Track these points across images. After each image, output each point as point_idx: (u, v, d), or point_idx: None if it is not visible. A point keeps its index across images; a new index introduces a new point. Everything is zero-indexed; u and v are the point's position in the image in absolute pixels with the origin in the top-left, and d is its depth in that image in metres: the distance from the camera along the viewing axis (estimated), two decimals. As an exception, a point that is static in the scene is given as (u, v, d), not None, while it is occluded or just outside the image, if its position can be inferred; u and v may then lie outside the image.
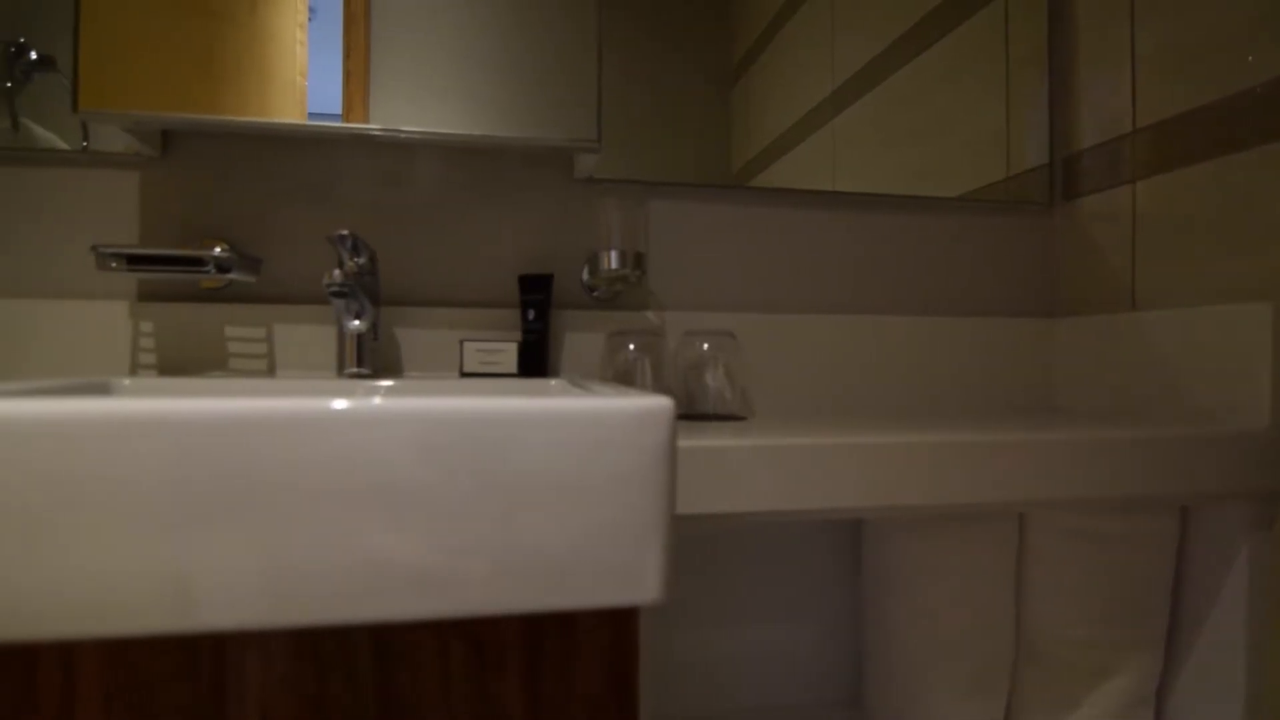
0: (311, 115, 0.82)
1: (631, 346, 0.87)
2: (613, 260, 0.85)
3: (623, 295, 0.96)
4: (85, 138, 0.86)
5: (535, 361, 0.87)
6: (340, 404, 0.41)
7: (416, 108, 0.83)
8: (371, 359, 0.81)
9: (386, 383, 0.77)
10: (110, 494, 0.40)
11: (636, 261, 0.85)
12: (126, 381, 0.70)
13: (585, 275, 0.94)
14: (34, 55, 0.86)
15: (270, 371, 0.87)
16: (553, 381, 0.79)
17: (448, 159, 0.93)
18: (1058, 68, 1.08)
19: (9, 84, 0.86)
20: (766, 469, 0.65)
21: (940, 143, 1.05)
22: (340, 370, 0.80)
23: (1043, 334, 1.07)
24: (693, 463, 0.63)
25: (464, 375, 0.85)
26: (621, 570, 0.44)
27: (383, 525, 0.42)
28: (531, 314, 0.87)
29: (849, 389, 1.01)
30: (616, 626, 0.49)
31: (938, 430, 0.73)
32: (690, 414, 0.88)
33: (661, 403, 0.42)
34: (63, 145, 0.86)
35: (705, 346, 0.88)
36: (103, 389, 0.68)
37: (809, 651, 0.99)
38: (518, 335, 0.91)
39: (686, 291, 0.98)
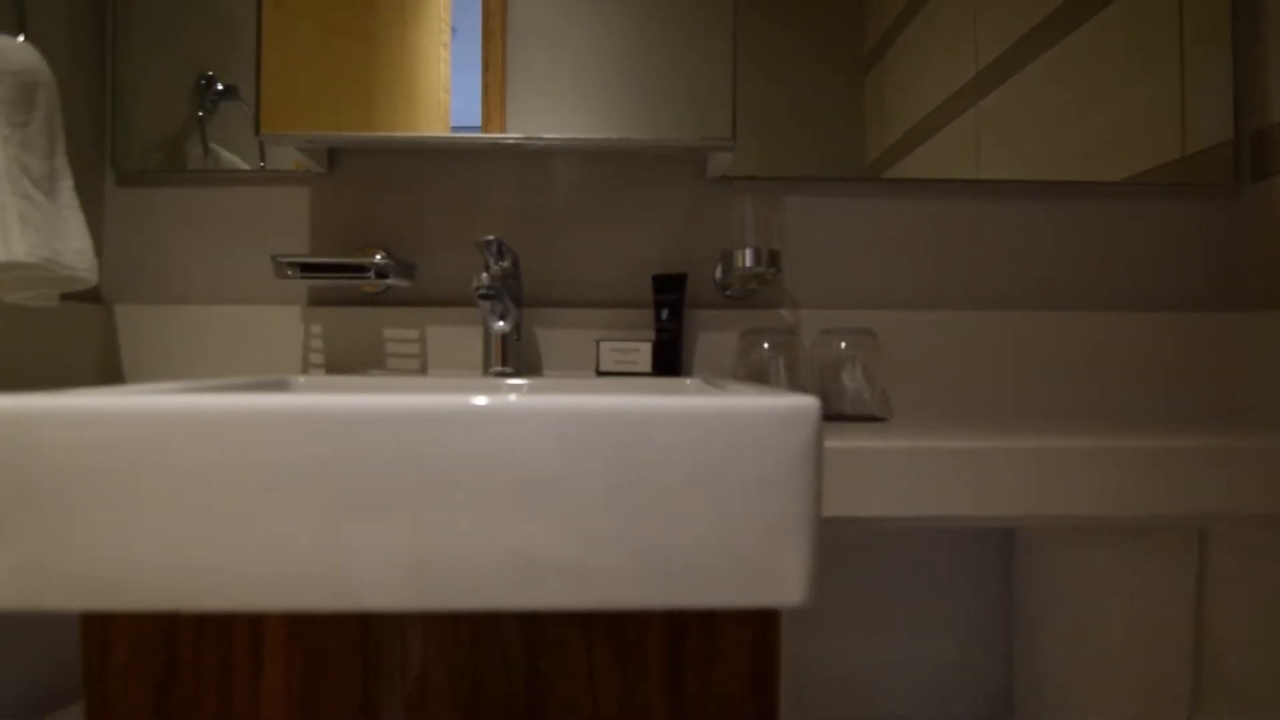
0: (454, 128, 0.86)
1: (766, 345, 0.86)
2: (747, 258, 0.84)
3: (756, 293, 0.95)
4: (262, 158, 0.96)
5: (669, 360, 0.88)
6: (483, 401, 0.43)
7: (552, 115, 0.86)
8: (514, 358, 0.84)
9: (527, 381, 0.80)
10: (285, 481, 0.43)
11: (772, 259, 0.84)
12: (301, 379, 0.77)
13: (719, 274, 0.94)
14: (220, 86, 0.96)
15: (422, 370, 0.92)
16: (688, 380, 0.80)
17: (583, 163, 0.95)
18: (1243, 31, 0.97)
19: (200, 113, 0.96)
20: (910, 473, 0.62)
21: (1100, 123, 0.97)
22: (486, 369, 0.84)
23: (1224, 329, 0.96)
24: (832, 464, 0.61)
25: (600, 374, 0.87)
26: (763, 571, 0.43)
27: (521, 517, 0.43)
28: (665, 313, 0.88)
29: (997, 390, 0.95)
30: (758, 628, 0.49)
31: (1101, 434, 0.67)
32: (827, 415, 0.86)
33: (807, 402, 0.41)
34: (244, 166, 0.96)
35: (843, 345, 0.86)
36: (281, 386, 0.75)
37: (952, 665, 0.94)
38: (651, 335, 0.92)
39: (822, 288, 0.96)
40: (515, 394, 0.44)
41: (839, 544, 0.93)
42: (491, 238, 0.78)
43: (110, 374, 0.93)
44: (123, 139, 0.95)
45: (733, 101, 0.86)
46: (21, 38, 0.74)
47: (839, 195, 0.96)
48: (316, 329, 0.93)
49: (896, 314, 0.95)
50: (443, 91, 0.86)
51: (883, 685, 0.93)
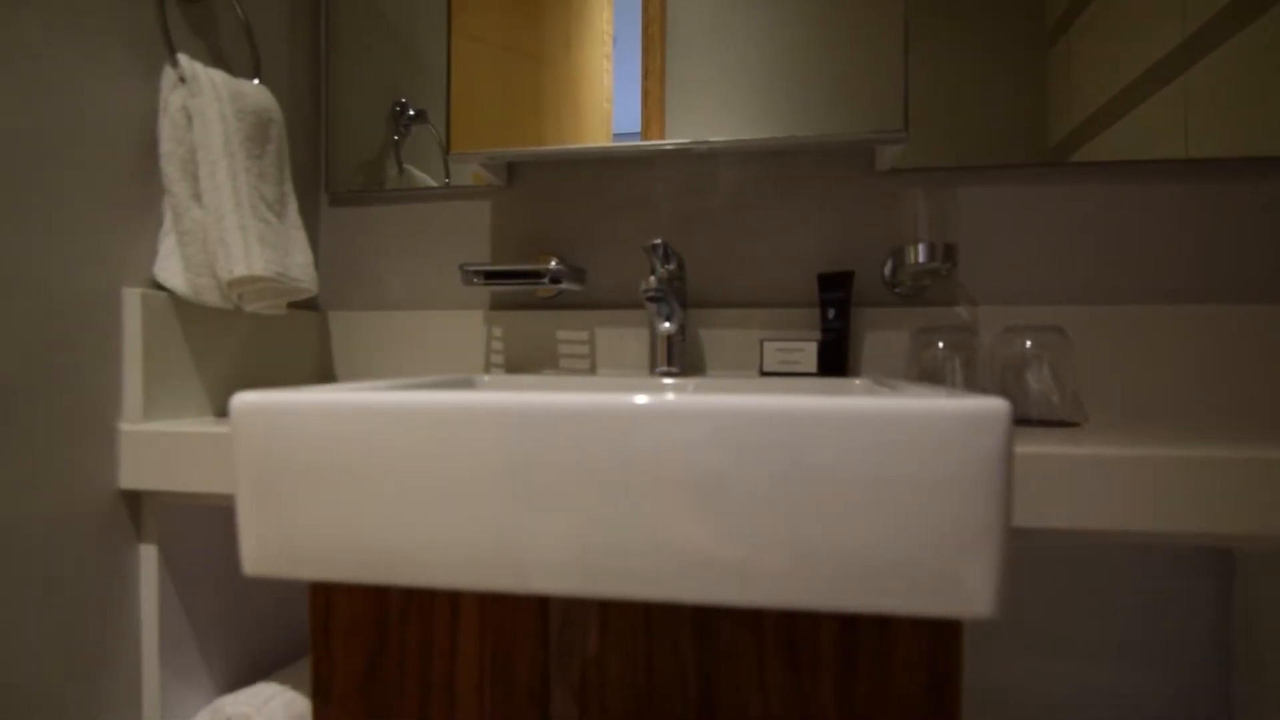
0: (614, 135, 0.90)
1: (940, 344, 0.82)
2: (920, 254, 0.81)
3: (929, 290, 0.91)
4: (447, 175, 1.04)
5: (835, 360, 0.86)
6: (650, 399, 0.44)
7: (712, 117, 0.87)
8: (679, 358, 0.86)
9: (693, 380, 0.82)
10: (474, 470, 0.47)
11: (947, 253, 0.80)
12: (486, 378, 0.83)
13: (888, 270, 0.90)
14: (411, 111, 1.05)
15: (591, 370, 0.97)
16: (856, 381, 0.78)
17: (745, 164, 0.96)
18: None
19: (395, 137, 1.06)
20: (1108, 483, 0.57)
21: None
22: (652, 369, 0.86)
23: None
24: (1020, 472, 0.58)
25: (764, 374, 0.87)
26: (944, 579, 0.42)
27: (685, 513, 0.44)
28: (831, 312, 0.87)
29: (1203, 392, 0.85)
30: (938, 638, 0.47)
31: (1357, 446, 0.58)
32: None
33: (997, 405, 0.39)
34: (433, 183, 1.04)
35: (1028, 344, 0.80)
36: (468, 384, 0.81)
37: (1155, 696, 0.84)
38: (817, 334, 0.91)
39: (1001, 283, 0.90)
40: (680, 393, 0.45)
41: (1025, 556, 0.87)
42: (658, 241, 0.80)
43: (324, 372, 1.05)
44: (333, 165, 1.07)
45: (904, 90, 0.82)
46: (256, 81, 0.85)
47: (1019, 182, 0.90)
48: (497, 331, 0.99)
49: (1087, 310, 0.87)
50: (605, 102, 0.90)
51: (1071, 713, 0.86)
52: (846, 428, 0.41)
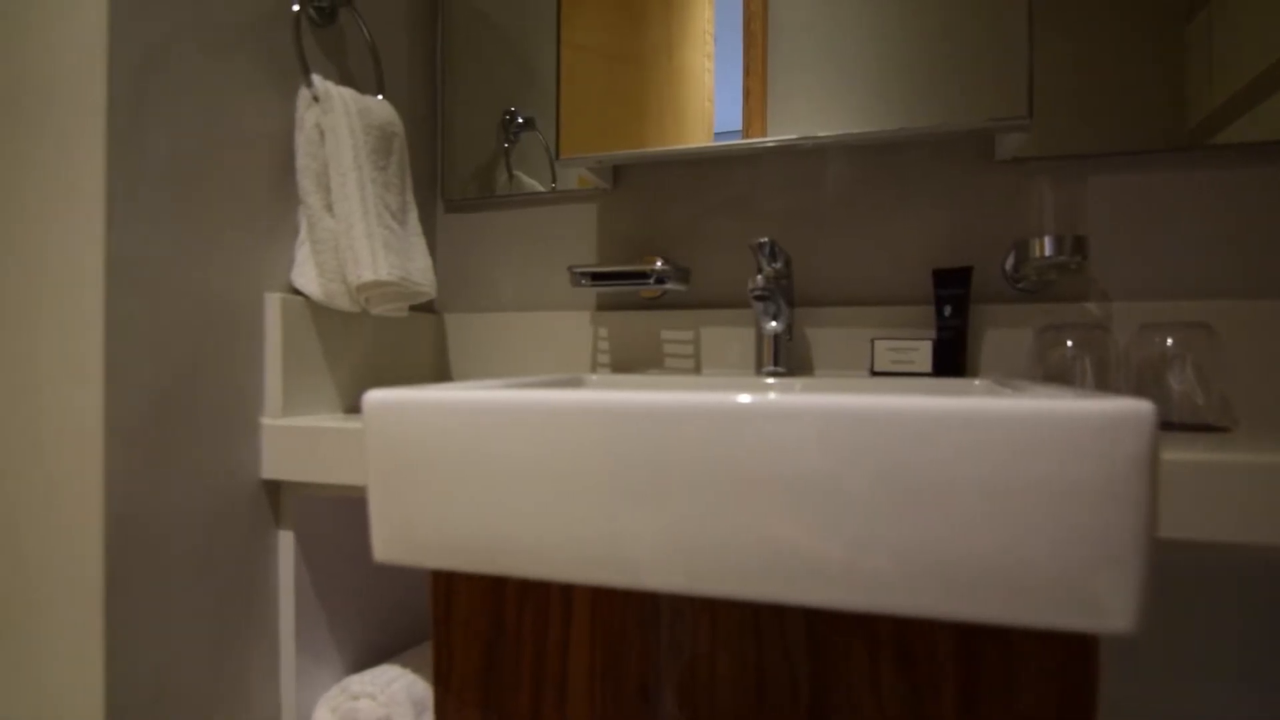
0: (716, 134, 0.89)
1: (1069, 343, 0.77)
2: (1047, 247, 0.76)
3: (1055, 285, 0.86)
4: (553, 179, 1.06)
5: (951, 359, 0.83)
6: (754, 398, 0.44)
7: (817, 112, 0.85)
8: (786, 358, 0.85)
9: (800, 380, 0.80)
10: (581, 467, 0.48)
11: (1077, 246, 0.75)
12: (594, 377, 0.85)
13: (1009, 265, 0.86)
14: (520, 119, 1.09)
15: (696, 369, 0.97)
16: (975, 381, 0.74)
17: (854, 158, 0.93)
18: None
19: (505, 144, 1.10)
20: (1262, 493, 0.52)
21: None
22: (758, 369, 0.86)
23: None
24: (1164, 480, 0.53)
25: (874, 374, 0.85)
26: (1078, 591, 0.39)
27: (788, 513, 0.43)
28: (948, 310, 0.83)
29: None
30: (1071, 653, 0.44)
31: None
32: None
33: (1141, 406, 0.37)
34: (540, 188, 1.07)
35: (1169, 341, 0.74)
36: (578, 383, 0.83)
37: (1328, 733, 0.76)
38: (931, 333, 0.87)
39: (1135, 277, 0.84)
40: (786, 392, 0.45)
41: (1165, 570, 0.81)
42: (764, 240, 0.79)
43: (441, 371, 1.10)
44: (449, 173, 1.12)
45: (1029, 73, 0.78)
46: (380, 96, 0.90)
47: (1156, 169, 0.83)
48: (603, 332, 1.01)
49: (1235, 304, 0.79)
50: (707, 101, 0.90)
51: (1224, 744, 0.79)
52: (970, 429, 0.40)
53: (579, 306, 1.05)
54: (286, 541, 0.81)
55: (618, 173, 1.04)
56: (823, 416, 0.43)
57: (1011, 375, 0.86)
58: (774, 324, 0.84)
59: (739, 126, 0.88)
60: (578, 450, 0.48)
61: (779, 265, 0.81)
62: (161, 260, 0.69)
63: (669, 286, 0.90)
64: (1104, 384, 0.77)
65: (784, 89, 0.87)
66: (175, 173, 0.70)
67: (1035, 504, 0.39)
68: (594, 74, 0.93)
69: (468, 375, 1.09)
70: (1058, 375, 0.78)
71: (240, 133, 0.77)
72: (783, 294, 0.84)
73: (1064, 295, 0.85)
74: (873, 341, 0.85)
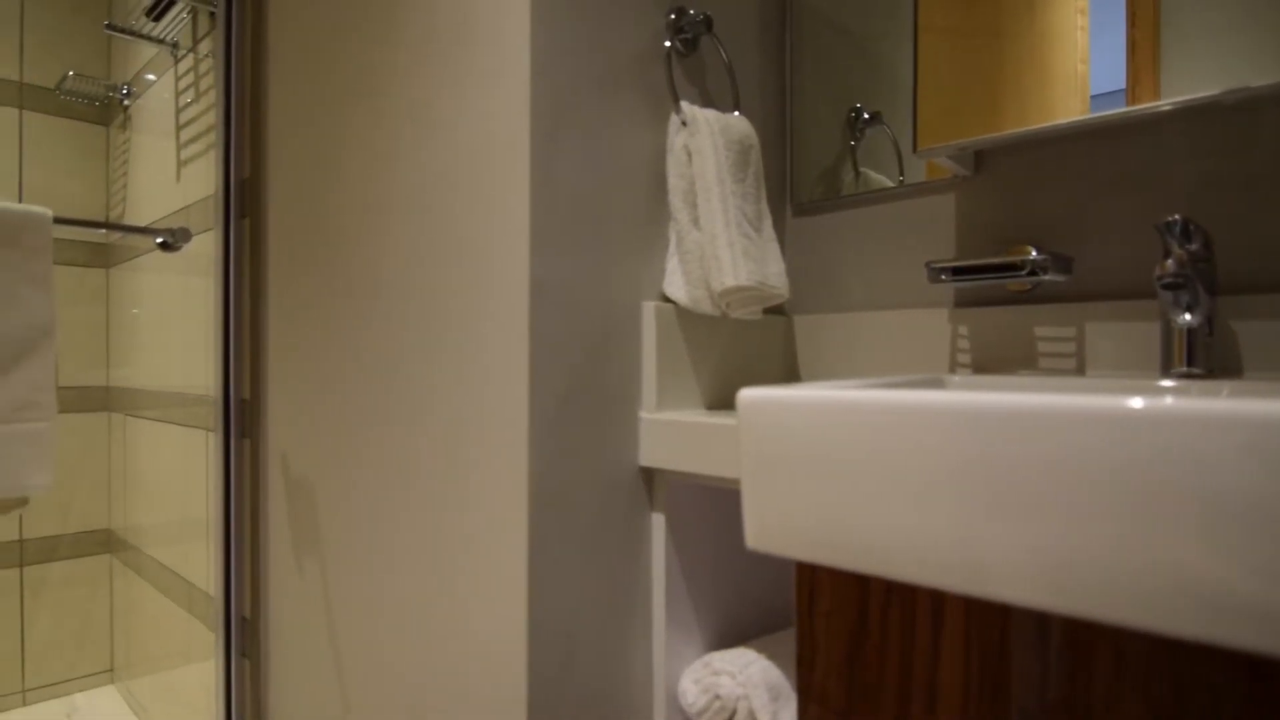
0: (1091, 98, 0.78)
1: None
2: None
3: None
4: (901, 173, 1.03)
5: None
6: (1145, 403, 0.39)
7: (1226, 58, 0.70)
8: (1205, 358, 0.71)
9: (1226, 384, 0.67)
10: (944, 470, 0.46)
11: None
12: (956, 378, 0.80)
13: None
14: (866, 115, 1.07)
15: (1079, 371, 0.86)
16: None
17: (1307, 107, 0.74)
18: None
19: (852, 142, 1.09)
20: None
21: None
22: (1165, 369, 0.73)
23: None
24: None
25: (1341, 377, 0.67)
26: None
27: (1191, 537, 0.38)
28: None
29: None
30: None
31: None
32: None
33: None
34: (890, 184, 1.04)
35: None
36: (938, 384, 0.79)
37: None
38: None
39: None
40: (1203, 397, 0.38)
41: None
42: (1175, 217, 0.67)
43: (790, 371, 1.13)
44: (797, 178, 1.15)
45: None
46: (737, 113, 0.96)
47: None
48: (963, 330, 0.95)
49: None
50: (1080, 63, 0.79)
51: None
52: None
53: (934, 304, 0.99)
54: (659, 523, 0.91)
55: (979, 158, 0.96)
56: (1251, 427, 0.36)
57: None
58: (1187, 316, 0.71)
59: (1117, 86, 0.77)
60: (940, 452, 0.47)
61: (1195, 247, 0.68)
62: (566, 278, 0.82)
63: (1045, 278, 0.82)
64: None
65: (1180, 35, 0.73)
66: (575, 202, 0.83)
67: None
68: (951, 55, 0.88)
69: (816, 375, 1.11)
70: None
71: (624, 161, 0.88)
72: (1201, 280, 0.70)
73: None
74: (1338, 336, 0.67)
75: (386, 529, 1.04)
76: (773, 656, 0.88)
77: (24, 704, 2.10)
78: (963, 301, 0.97)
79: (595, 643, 0.86)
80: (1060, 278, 0.83)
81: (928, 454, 0.48)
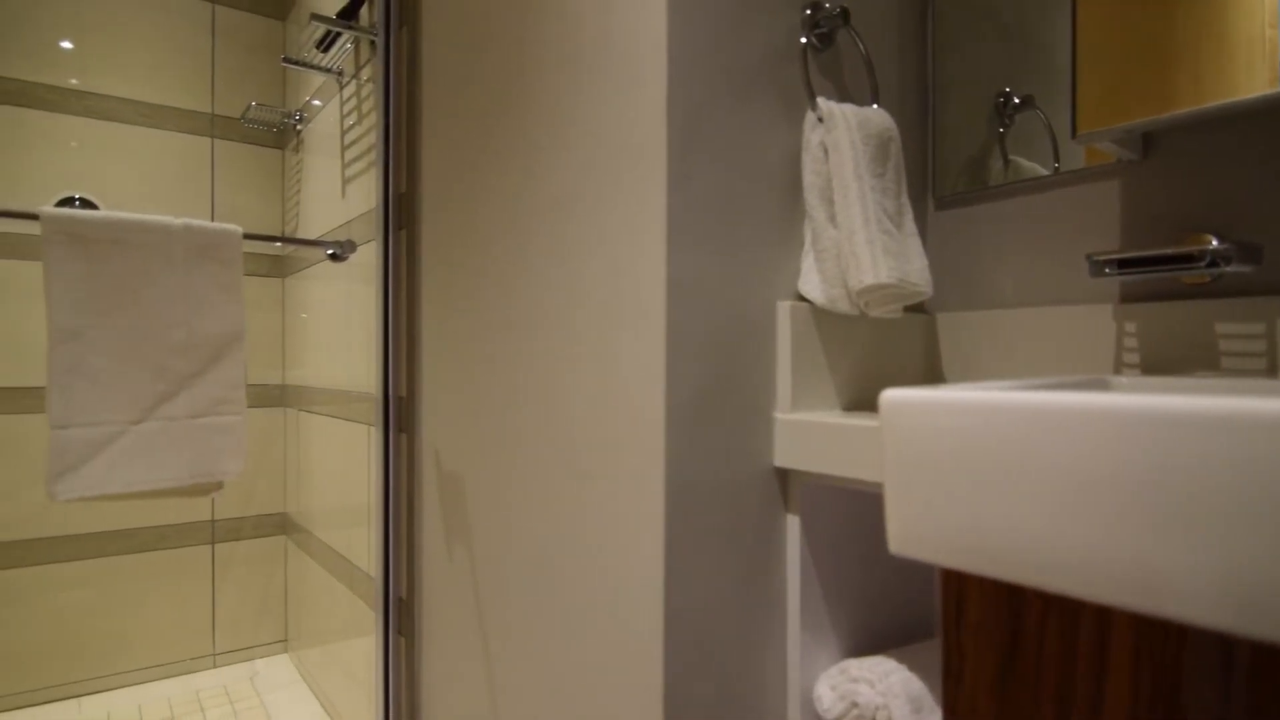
0: None
1: None
2: None
3: None
4: (1056, 160, 0.96)
5: None
6: None
7: None
8: None
9: None
10: (1105, 478, 0.43)
11: None
12: (1122, 379, 0.74)
13: None
14: (1015, 100, 1.00)
15: (1270, 372, 0.77)
16: None
17: None
18: None
19: (1000, 129, 1.03)
20: None
21: None
22: (1380, 371, 0.64)
23: None
24: None
25: None
26: None
27: None
28: None
29: None
30: None
31: None
32: None
33: None
34: (1043, 172, 0.98)
35: None
36: (1102, 385, 0.74)
37: None
38: None
39: None
40: None
41: None
42: (1394, 199, 0.59)
43: (931, 372, 1.09)
44: (939, 170, 1.10)
45: None
46: (875, 105, 0.93)
47: None
48: (1129, 327, 0.88)
49: None
50: (1269, 27, 0.70)
51: None
52: None
53: (1095, 299, 0.92)
54: (794, 525, 0.90)
55: (1148, 140, 0.89)
56: None
57: None
58: None
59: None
60: (1116, 458, 0.44)
61: None
62: (702, 278, 0.83)
63: (1228, 269, 0.74)
64: None
65: None
66: (712, 203, 0.84)
67: None
68: (1114, 26, 0.81)
69: (960, 376, 1.06)
70: None
71: (758, 160, 0.88)
72: None
73: None
74: None
75: (528, 523, 1.09)
76: (913, 667, 0.85)
77: (214, 666, 2.37)
78: (1129, 297, 0.89)
79: (730, 641, 0.86)
80: (1246, 269, 0.75)
81: (1094, 460, 0.45)
